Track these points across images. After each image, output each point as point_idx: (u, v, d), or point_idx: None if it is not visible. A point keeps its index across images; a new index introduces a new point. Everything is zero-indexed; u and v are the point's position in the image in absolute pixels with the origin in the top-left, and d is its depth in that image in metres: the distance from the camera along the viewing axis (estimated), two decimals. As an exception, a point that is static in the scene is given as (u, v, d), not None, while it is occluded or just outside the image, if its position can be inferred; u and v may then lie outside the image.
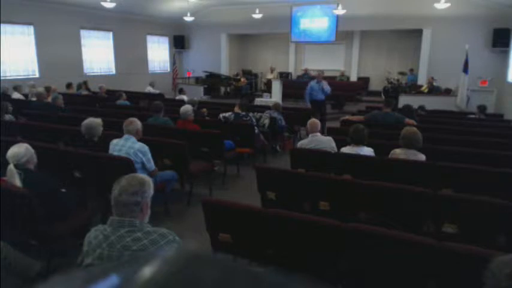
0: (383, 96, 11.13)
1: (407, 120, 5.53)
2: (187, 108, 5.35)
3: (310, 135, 4.33)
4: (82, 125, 3.91)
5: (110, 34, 13.07)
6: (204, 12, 14.82)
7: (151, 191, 1.86)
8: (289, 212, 2.44)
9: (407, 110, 6.09)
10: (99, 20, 12.32)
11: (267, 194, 3.39)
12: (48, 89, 7.92)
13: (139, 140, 3.81)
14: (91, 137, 3.92)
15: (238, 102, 6.40)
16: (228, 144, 5.40)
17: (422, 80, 12.06)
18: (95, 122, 3.91)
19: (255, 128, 5.91)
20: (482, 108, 7.86)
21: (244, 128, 5.87)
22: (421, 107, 7.89)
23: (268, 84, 12.91)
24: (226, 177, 5.32)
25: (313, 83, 8.43)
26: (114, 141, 3.83)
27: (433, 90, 10.93)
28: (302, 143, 4.37)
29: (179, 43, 15.68)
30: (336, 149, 4.11)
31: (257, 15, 13.19)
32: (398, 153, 3.71)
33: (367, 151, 3.83)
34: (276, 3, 13.59)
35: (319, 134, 4.33)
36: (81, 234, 2.12)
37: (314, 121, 4.37)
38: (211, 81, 14.45)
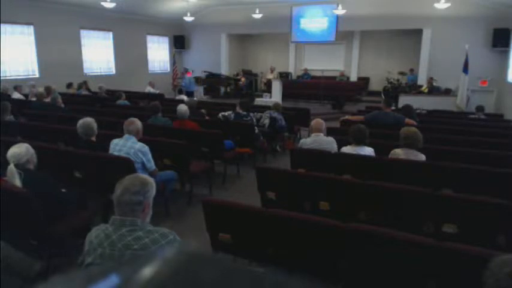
0: (383, 96, 11.12)
1: (407, 120, 5.52)
2: (184, 107, 5.37)
3: (313, 135, 4.26)
4: (78, 126, 3.86)
5: (110, 34, 13.05)
6: (204, 12, 14.81)
7: (153, 191, 1.87)
8: (289, 212, 2.45)
9: (408, 110, 6.08)
10: (99, 20, 12.31)
11: (267, 194, 3.38)
12: (48, 89, 7.92)
13: (139, 140, 3.81)
14: (89, 137, 3.90)
15: (239, 102, 6.39)
16: (228, 144, 5.40)
17: (422, 80, 12.04)
18: (88, 119, 3.89)
19: (255, 128, 5.91)
20: (480, 109, 7.87)
21: (244, 128, 5.87)
22: (417, 109, 7.73)
23: (268, 84, 12.91)
24: (226, 177, 5.32)
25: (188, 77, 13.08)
26: (115, 141, 3.83)
27: (433, 91, 10.93)
28: (304, 142, 4.30)
29: (179, 43, 15.66)
30: (336, 151, 4.09)
31: (257, 15, 13.18)
32: (398, 153, 3.71)
33: (368, 151, 3.82)
34: (276, 3, 13.57)
35: (322, 134, 4.25)
36: (81, 234, 2.12)
37: (318, 121, 4.28)
38: (211, 81, 14.44)
